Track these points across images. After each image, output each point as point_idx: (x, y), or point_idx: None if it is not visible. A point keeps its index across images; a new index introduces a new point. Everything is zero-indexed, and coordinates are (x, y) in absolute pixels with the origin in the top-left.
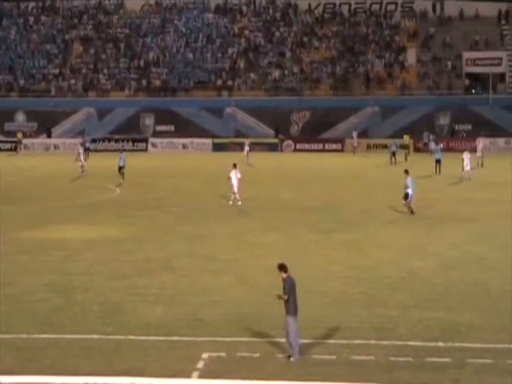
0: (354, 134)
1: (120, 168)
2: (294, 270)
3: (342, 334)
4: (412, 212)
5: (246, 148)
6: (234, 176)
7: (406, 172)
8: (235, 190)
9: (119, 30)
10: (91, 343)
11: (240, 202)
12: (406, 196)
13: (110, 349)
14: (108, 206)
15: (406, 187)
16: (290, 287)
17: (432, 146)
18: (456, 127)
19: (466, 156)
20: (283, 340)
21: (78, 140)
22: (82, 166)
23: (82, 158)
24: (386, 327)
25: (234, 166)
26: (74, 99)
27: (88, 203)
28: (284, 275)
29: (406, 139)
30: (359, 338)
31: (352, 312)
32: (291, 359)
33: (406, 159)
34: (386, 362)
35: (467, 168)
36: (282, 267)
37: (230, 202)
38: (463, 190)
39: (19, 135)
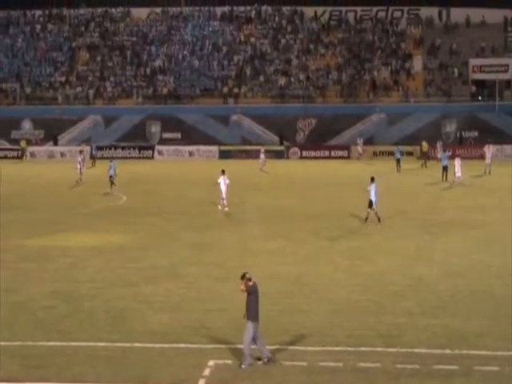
0: (359, 141)
1: (110, 177)
2: (300, 277)
3: (349, 341)
4: (366, 220)
5: (262, 156)
6: (223, 182)
7: (372, 179)
8: (223, 195)
9: (125, 37)
10: (97, 351)
11: (227, 208)
12: (371, 203)
13: (116, 356)
14: (113, 213)
15: (370, 194)
16: (251, 291)
17: (439, 153)
18: (463, 134)
19: (458, 162)
20: (291, 347)
21: (80, 148)
22: (80, 174)
23: (80, 165)
24: (393, 334)
25: (223, 172)
26: (81, 107)
27: (93, 210)
28: (250, 283)
29: (425, 146)
30: (366, 345)
31: (358, 319)
32: (242, 366)
33: (425, 166)
34: (392, 370)
35: (458, 174)
36: (247, 276)
37: (219, 207)
38: (469, 197)
39: (23, 143)
